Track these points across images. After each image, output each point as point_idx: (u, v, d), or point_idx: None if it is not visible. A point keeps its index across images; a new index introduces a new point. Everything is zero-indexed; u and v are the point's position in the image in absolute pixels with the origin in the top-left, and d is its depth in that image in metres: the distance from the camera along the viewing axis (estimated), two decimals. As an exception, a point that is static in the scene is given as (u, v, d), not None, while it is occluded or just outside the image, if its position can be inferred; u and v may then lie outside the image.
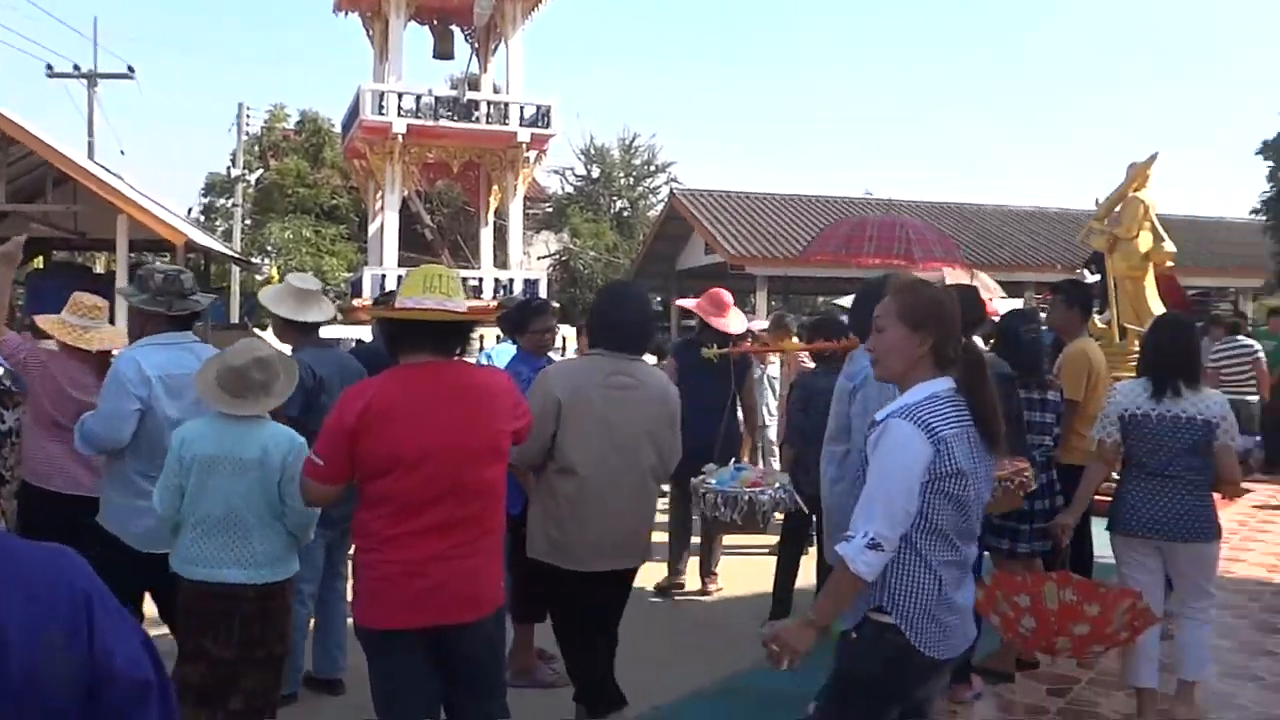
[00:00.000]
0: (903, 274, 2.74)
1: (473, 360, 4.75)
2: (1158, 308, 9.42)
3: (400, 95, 20.17)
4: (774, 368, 9.11)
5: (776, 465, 8.69)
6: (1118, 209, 9.83)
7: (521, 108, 20.93)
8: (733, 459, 5.64)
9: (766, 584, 5.73)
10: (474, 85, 21.92)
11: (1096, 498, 4.46)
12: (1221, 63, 77.14)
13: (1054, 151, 71.15)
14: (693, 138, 67.42)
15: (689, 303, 6.56)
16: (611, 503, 3.57)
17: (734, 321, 6.31)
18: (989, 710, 4.42)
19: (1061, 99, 76.32)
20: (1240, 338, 9.99)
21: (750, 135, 73.12)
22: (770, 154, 70.85)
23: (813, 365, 6.31)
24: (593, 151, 31.77)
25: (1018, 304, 9.43)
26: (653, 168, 32.44)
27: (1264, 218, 16.24)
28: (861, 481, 2.52)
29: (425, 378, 2.90)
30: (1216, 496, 4.12)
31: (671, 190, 24.25)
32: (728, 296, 6.34)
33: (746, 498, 4.48)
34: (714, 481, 4.75)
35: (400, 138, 19.93)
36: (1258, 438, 10.16)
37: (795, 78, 78.97)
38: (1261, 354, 10.31)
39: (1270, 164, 15.73)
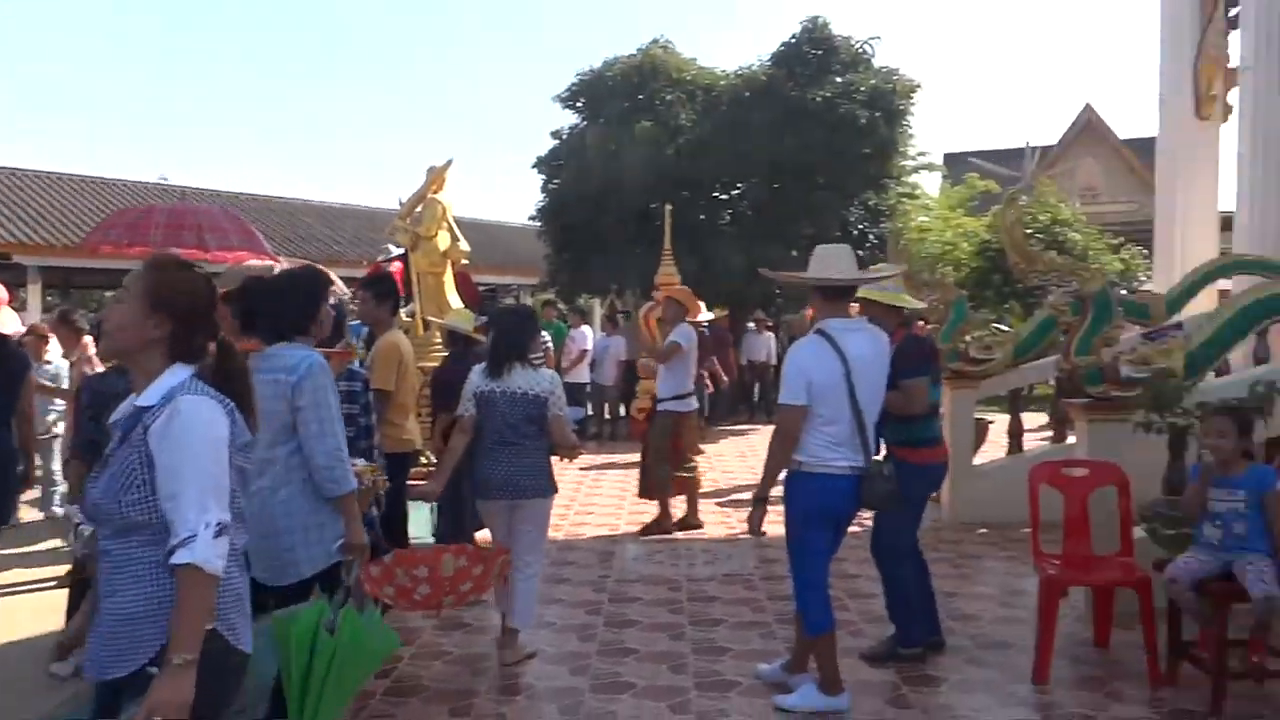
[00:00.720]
0: (163, 255, 2.49)
1: None
2: (456, 302, 10.21)
3: None
4: (62, 363, 7.93)
5: (60, 482, 7.62)
6: (419, 209, 10.44)
7: None
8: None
9: (51, 622, 4.94)
10: None
11: (410, 483, 4.73)
12: (501, 82, 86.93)
13: (360, 151, 73.59)
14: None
15: None
16: None
17: (7, 320, 5.41)
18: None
19: (369, 102, 79.16)
20: (535, 327, 11.48)
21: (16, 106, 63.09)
22: (44, 130, 61.94)
23: (102, 367, 5.60)
24: None
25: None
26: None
27: (539, 223, 18.56)
28: (143, 473, 2.17)
29: None
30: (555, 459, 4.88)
31: (-94, 160, 19.77)
32: None
33: None
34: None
35: None
36: (584, 411, 11.90)
37: (93, 51, 70.22)
38: (550, 342, 11.93)
39: (543, 177, 18.01)
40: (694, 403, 7.97)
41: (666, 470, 7.80)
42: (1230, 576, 4.09)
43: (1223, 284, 9.34)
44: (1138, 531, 4.91)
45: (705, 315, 12.56)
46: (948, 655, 4.84)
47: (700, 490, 8.25)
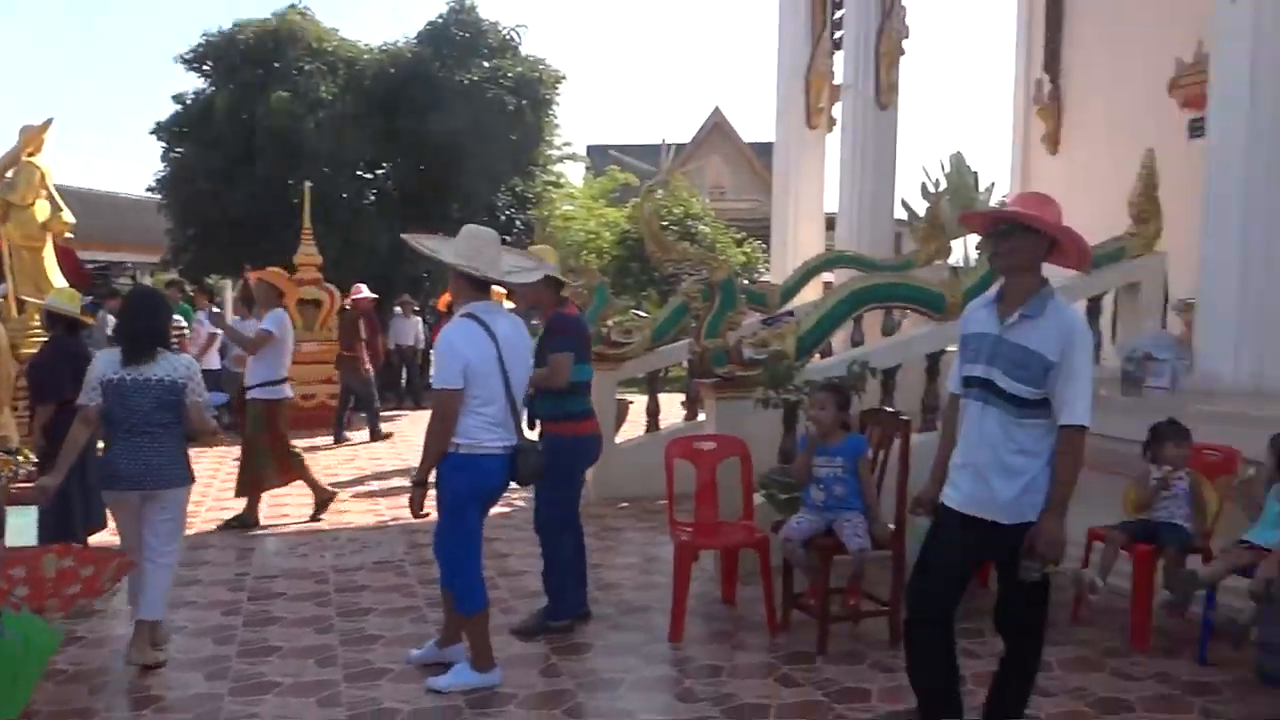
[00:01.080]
0: None
1: None
2: (59, 279, 9.14)
3: None
4: None
5: None
6: (11, 174, 9.20)
7: None
8: None
9: None
10: None
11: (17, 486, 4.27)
12: (115, 34, 77.79)
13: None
14: None
15: None
16: None
17: None
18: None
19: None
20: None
21: None
22: None
23: None
24: None
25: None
26: None
27: (159, 196, 16.90)
28: None
29: None
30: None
31: None
32: None
33: None
34: None
35: None
36: (226, 396, 11.01)
37: None
38: (186, 325, 11.05)
39: (165, 145, 16.39)
40: (287, 390, 7.48)
41: (265, 463, 7.37)
42: (832, 533, 4.66)
43: (827, 276, 10.56)
44: (758, 497, 5.43)
45: (366, 294, 12.21)
46: (593, 623, 5.08)
47: (311, 467, 7.87)
